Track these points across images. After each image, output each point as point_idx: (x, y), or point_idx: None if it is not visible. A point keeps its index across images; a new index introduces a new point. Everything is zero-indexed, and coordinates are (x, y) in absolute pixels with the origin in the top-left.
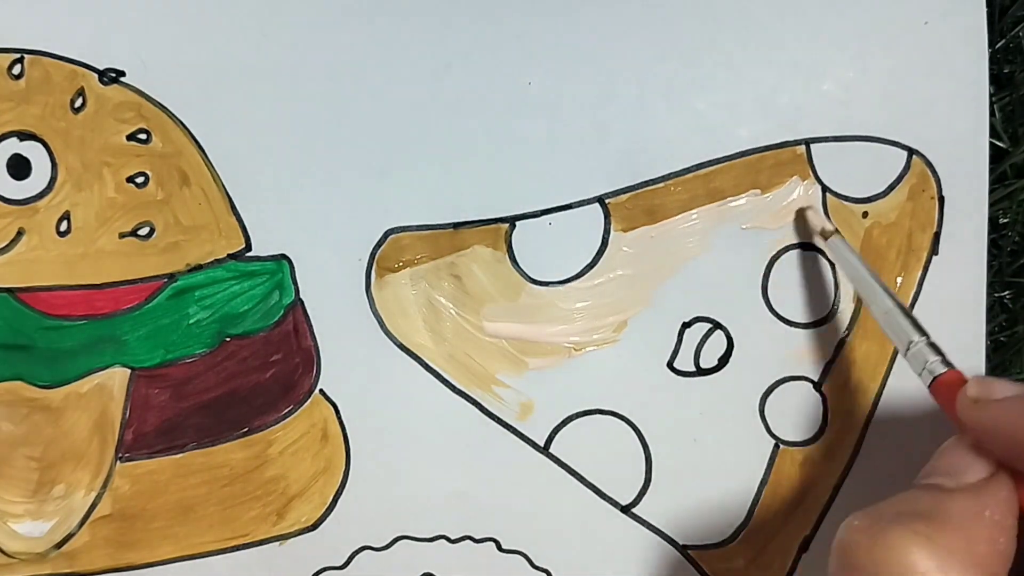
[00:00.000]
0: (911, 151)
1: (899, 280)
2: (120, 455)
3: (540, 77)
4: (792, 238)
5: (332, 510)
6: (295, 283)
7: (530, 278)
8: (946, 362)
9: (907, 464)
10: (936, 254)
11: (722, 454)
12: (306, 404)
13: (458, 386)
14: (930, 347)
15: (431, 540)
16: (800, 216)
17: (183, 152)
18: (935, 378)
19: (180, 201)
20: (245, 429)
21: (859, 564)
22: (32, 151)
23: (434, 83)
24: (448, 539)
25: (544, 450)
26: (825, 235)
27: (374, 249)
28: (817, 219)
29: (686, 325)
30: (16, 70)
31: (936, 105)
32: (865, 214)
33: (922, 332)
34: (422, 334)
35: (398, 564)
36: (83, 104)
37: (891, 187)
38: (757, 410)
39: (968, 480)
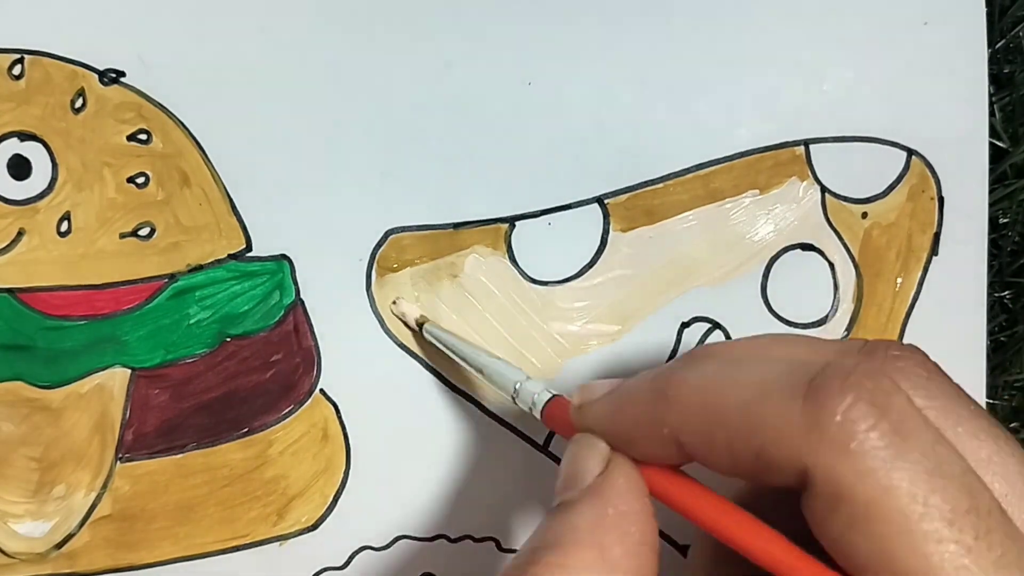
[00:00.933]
0: (911, 151)
1: (899, 281)
2: (120, 455)
3: (540, 77)
4: (792, 238)
5: (332, 510)
6: (295, 283)
7: (530, 278)
8: (549, 390)
9: None
10: (936, 255)
11: None
12: (306, 404)
13: (458, 386)
14: (531, 383)
15: (431, 540)
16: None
17: (183, 152)
18: (544, 405)
19: (180, 201)
20: (245, 429)
21: None
22: (32, 151)
23: (434, 83)
24: (448, 539)
25: (544, 450)
26: (419, 324)
27: (374, 249)
28: (409, 310)
29: (685, 325)
30: (16, 70)
31: (936, 105)
32: (865, 215)
33: (519, 372)
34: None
35: (398, 564)
36: (83, 104)
37: (891, 187)
38: None
39: (587, 483)
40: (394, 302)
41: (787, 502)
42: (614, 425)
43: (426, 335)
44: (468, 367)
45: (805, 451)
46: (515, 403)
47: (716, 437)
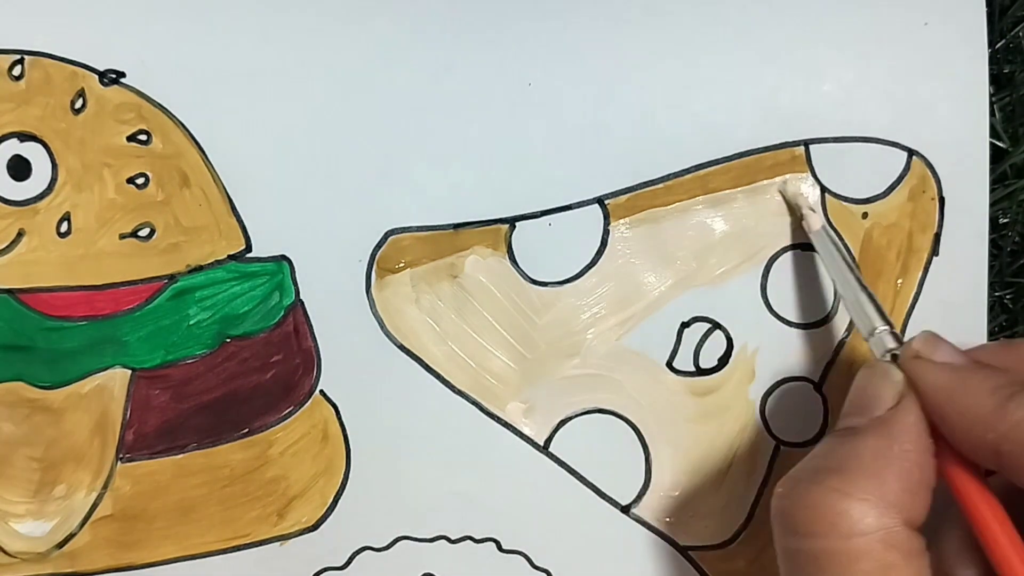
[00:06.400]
0: (911, 152)
1: (899, 282)
2: (121, 456)
3: (540, 77)
4: (792, 238)
5: (332, 510)
6: (295, 284)
7: (530, 278)
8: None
9: None
10: (937, 255)
11: (722, 454)
12: (306, 405)
13: (458, 386)
14: (892, 335)
15: (431, 540)
16: (791, 205)
17: (183, 153)
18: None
19: (180, 202)
20: (246, 430)
21: (789, 527)
22: (32, 152)
23: (434, 84)
24: (448, 539)
25: (544, 450)
26: (812, 226)
27: (374, 250)
28: (806, 209)
29: (685, 325)
30: (16, 71)
31: (936, 105)
32: (865, 215)
33: (886, 321)
34: (422, 335)
35: (398, 564)
36: (83, 105)
37: (891, 188)
38: (757, 410)
39: (876, 413)
40: (786, 181)
41: None
42: (939, 397)
43: (815, 239)
44: (842, 285)
45: None
46: (868, 343)
47: None
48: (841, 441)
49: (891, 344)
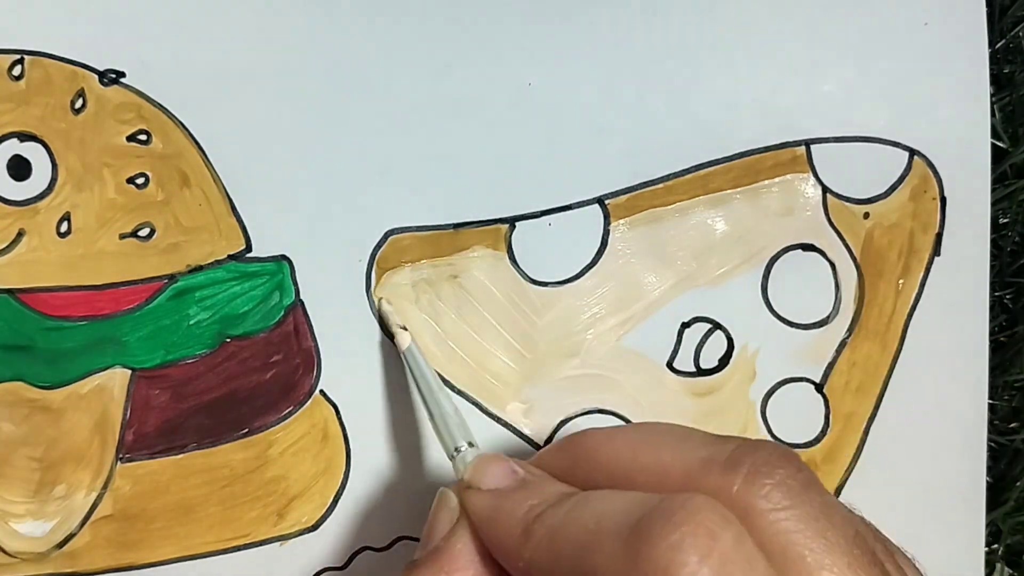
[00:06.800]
0: (912, 152)
1: (901, 282)
2: (121, 456)
3: (540, 77)
4: (792, 238)
5: (332, 510)
6: (295, 284)
7: (530, 278)
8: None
9: (908, 466)
10: (938, 255)
11: None
12: (306, 405)
13: (458, 386)
14: (469, 451)
15: None
16: (382, 323)
17: (183, 153)
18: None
19: (180, 202)
20: (245, 430)
21: None
22: (32, 152)
23: (434, 83)
24: None
25: None
26: (401, 345)
27: (374, 250)
28: (396, 327)
29: (685, 325)
30: (16, 71)
31: (937, 105)
32: (867, 215)
33: (470, 441)
34: (422, 335)
35: (399, 564)
36: (83, 105)
37: (892, 188)
38: (758, 411)
39: (433, 544)
40: (381, 299)
41: None
42: (481, 527)
43: (402, 352)
44: (422, 402)
45: None
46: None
47: None
48: None
49: (469, 458)
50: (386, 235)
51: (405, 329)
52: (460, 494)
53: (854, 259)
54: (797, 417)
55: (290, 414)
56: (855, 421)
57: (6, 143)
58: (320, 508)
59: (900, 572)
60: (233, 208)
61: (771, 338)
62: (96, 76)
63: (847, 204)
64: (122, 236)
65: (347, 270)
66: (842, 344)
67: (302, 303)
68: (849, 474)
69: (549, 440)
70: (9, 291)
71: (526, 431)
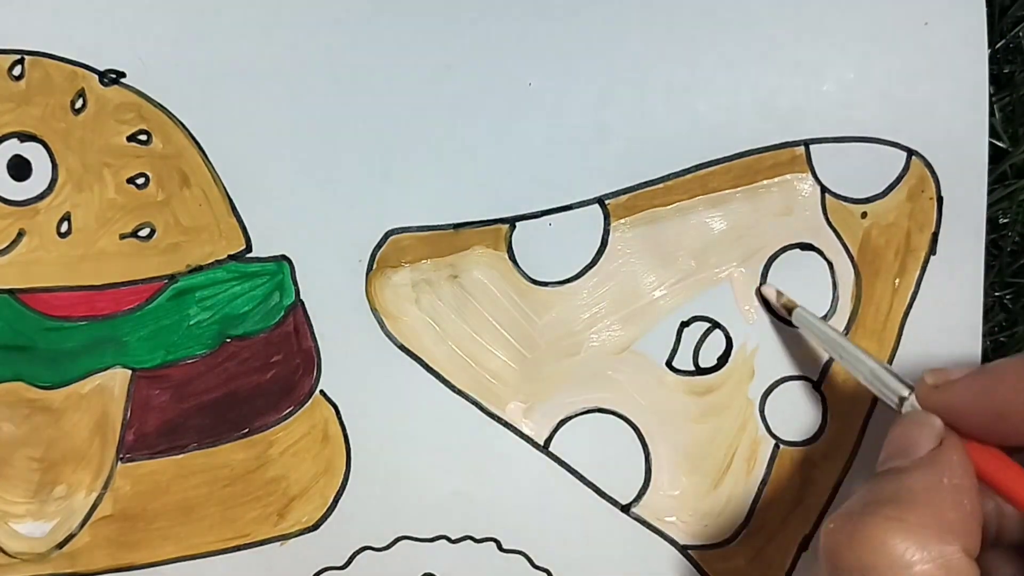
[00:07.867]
0: (910, 152)
1: (897, 281)
2: (121, 456)
3: (540, 77)
4: (791, 238)
5: (333, 510)
6: (295, 284)
7: (530, 278)
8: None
9: None
10: (934, 254)
11: (722, 454)
12: (307, 405)
13: (458, 386)
14: (905, 386)
15: (432, 540)
16: (759, 296)
17: (183, 153)
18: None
19: (180, 202)
20: (246, 430)
21: (845, 564)
22: (33, 152)
23: (434, 84)
24: (449, 539)
25: (544, 450)
26: (788, 308)
27: (374, 250)
28: (776, 296)
29: (684, 324)
30: (17, 71)
31: (936, 105)
32: (864, 214)
33: (909, 386)
34: (422, 335)
35: (399, 564)
36: (83, 105)
37: (890, 188)
38: (757, 409)
39: (919, 454)
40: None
41: None
42: (982, 403)
43: (796, 322)
44: (848, 365)
45: None
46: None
47: None
48: (889, 479)
49: (905, 392)
50: (386, 235)
51: (789, 304)
52: (928, 395)
53: (852, 258)
54: (796, 415)
55: (290, 414)
56: (853, 419)
57: (6, 143)
58: (320, 508)
59: None
60: (233, 208)
61: (770, 337)
62: (96, 76)
63: (845, 204)
64: (122, 236)
65: (347, 270)
66: None
67: (302, 303)
68: (847, 471)
69: (549, 440)
70: (9, 291)
71: (526, 430)
